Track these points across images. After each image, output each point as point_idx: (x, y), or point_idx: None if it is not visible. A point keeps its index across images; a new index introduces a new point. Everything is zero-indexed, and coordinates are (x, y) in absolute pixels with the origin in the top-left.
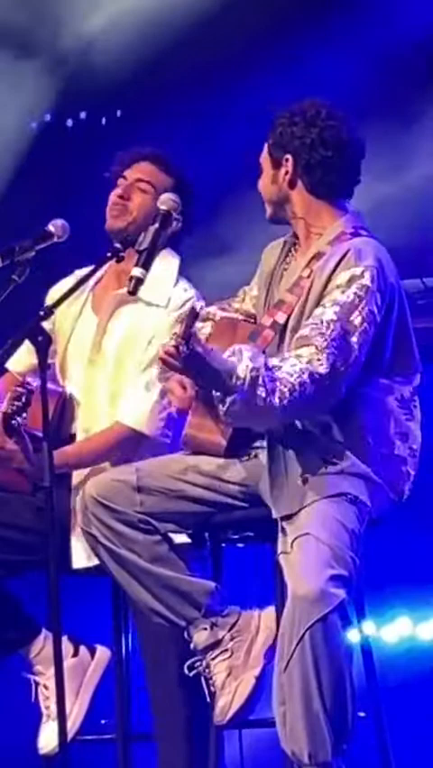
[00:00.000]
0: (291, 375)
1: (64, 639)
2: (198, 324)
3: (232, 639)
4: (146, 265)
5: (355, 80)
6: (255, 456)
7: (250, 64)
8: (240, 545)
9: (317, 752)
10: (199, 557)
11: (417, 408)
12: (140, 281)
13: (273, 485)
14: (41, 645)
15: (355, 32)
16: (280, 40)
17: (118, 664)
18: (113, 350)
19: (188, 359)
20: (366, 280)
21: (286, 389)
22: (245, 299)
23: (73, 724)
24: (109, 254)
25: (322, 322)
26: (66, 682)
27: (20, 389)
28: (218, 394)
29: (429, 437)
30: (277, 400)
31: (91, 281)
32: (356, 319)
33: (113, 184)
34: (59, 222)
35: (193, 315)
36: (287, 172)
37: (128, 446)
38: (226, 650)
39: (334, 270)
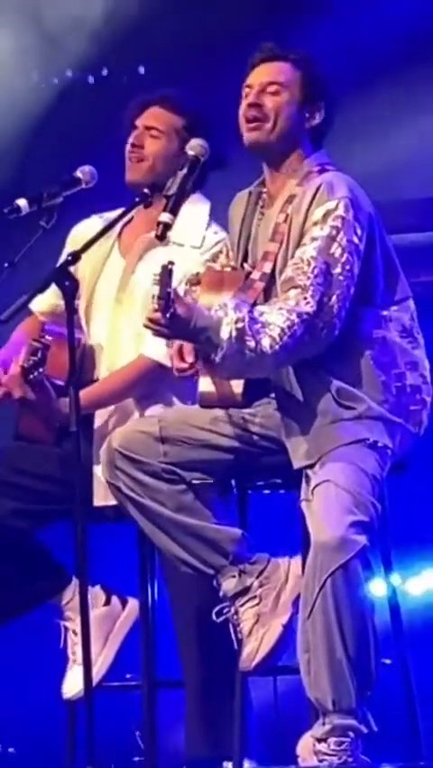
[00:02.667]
0: (279, 319)
1: (96, 588)
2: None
3: (261, 586)
4: (174, 210)
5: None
6: (271, 402)
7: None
8: (266, 492)
9: (340, 698)
10: (226, 505)
11: (420, 334)
12: (168, 226)
13: (290, 435)
14: (72, 594)
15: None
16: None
17: (144, 611)
18: (142, 290)
19: (172, 320)
20: (341, 211)
21: (275, 334)
22: (229, 254)
23: (99, 671)
24: (138, 199)
25: (303, 260)
26: (95, 630)
27: (36, 344)
28: (209, 350)
29: None
30: (268, 347)
31: (118, 226)
32: (337, 251)
33: (127, 136)
34: (87, 168)
35: (168, 273)
36: (313, 116)
37: (152, 380)
38: (255, 596)
39: (308, 209)
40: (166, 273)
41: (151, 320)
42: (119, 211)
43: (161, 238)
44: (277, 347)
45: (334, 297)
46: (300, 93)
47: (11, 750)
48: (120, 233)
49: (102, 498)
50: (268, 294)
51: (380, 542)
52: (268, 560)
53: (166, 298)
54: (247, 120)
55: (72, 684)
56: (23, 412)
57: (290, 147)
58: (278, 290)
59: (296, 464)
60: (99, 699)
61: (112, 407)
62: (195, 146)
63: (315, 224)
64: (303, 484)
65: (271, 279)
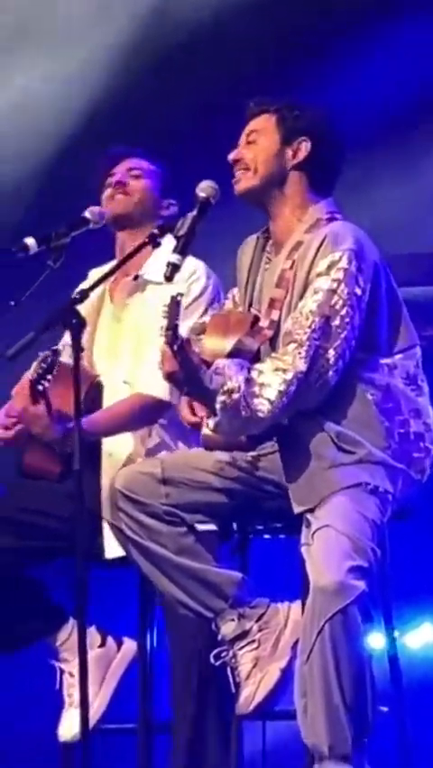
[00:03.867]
0: (275, 380)
1: (92, 629)
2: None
3: (260, 630)
4: (183, 252)
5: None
6: (273, 447)
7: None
8: (267, 537)
9: (336, 744)
10: (227, 549)
11: (424, 382)
12: (176, 267)
13: (290, 480)
14: (68, 634)
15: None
16: (288, 65)
17: (142, 655)
18: (128, 342)
19: (180, 355)
20: (344, 263)
21: (272, 397)
22: (236, 300)
23: (95, 713)
24: (146, 240)
25: (302, 314)
26: (91, 672)
27: (46, 352)
28: (210, 410)
29: None
30: (264, 411)
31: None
32: (337, 303)
33: (101, 187)
34: (96, 208)
35: (175, 305)
36: (296, 153)
37: (148, 414)
38: (254, 641)
39: (313, 258)
40: (174, 305)
41: (163, 359)
42: (126, 254)
43: (170, 279)
44: (273, 409)
45: (331, 351)
46: (278, 134)
47: None
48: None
49: (117, 549)
50: (274, 342)
51: (380, 592)
52: (268, 604)
53: (174, 330)
54: (235, 174)
55: (68, 727)
56: (27, 447)
57: (279, 187)
58: (280, 342)
59: (296, 509)
60: (95, 741)
61: (119, 459)
62: (205, 188)
63: (318, 275)
64: (303, 528)
65: (278, 327)
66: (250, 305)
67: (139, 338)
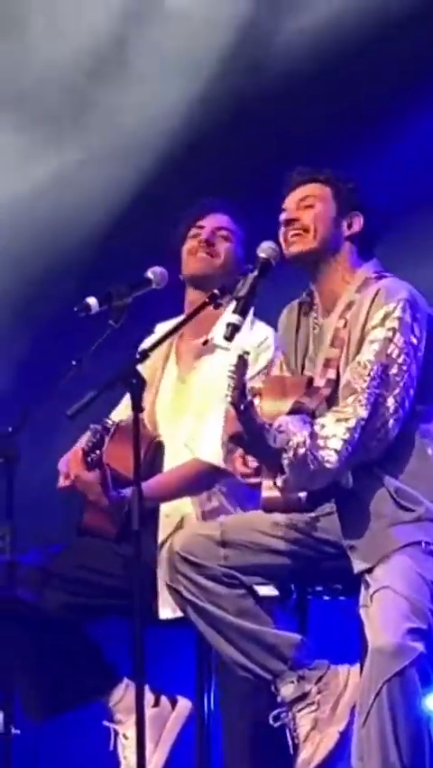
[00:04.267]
0: (339, 431)
1: (145, 689)
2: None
3: (319, 692)
4: (244, 312)
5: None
6: (332, 508)
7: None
8: (326, 598)
9: None
10: (286, 611)
11: None
12: (237, 328)
13: (349, 538)
14: (122, 694)
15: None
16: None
17: (200, 717)
18: (194, 403)
19: (245, 416)
20: (399, 313)
21: (338, 447)
22: (282, 367)
23: None
24: (207, 300)
25: (360, 363)
26: (146, 732)
27: (96, 426)
28: (273, 470)
29: None
30: (331, 462)
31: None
32: (394, 352)
33: (183, 236)
34: (158, 269)
35: (243, 363)
36: (351, 226)
37: (205, 481)
38: (313, 702)
39: (368, 313)
40: (241, 363)
41: (227, 420)
42: (187, 313)
43: (230, 339)
44: (339, 458)
45: (390, 399)
46: (335, 205)
47: None
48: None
49: (169, 610)
50: (331, 400)
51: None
52: (328, 666)
53: (241, 389)
54: (288, 235)
55: None
56: (87, 505)
57: (333, 254)
58: (339, 396)
59: (356, 567)
60: None
61: (176, 521)
62: (266, 249)
63: (374, 327)
64: (362, 590)
65: (335, 385)
66: (303, 367)
67: (203, 401)
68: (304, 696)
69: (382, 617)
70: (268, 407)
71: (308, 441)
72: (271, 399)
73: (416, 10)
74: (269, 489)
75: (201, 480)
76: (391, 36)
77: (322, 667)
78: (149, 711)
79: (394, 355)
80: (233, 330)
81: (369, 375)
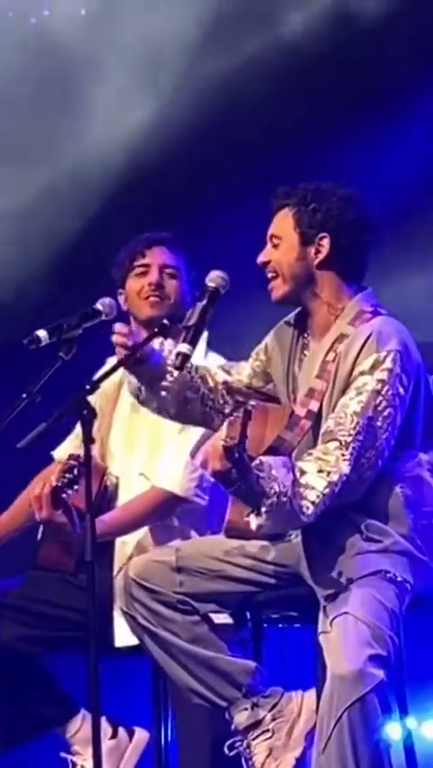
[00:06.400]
0: (319, 483)
1: (102, 720)
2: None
3: (273, 719)
4: (193, 342)
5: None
6: (296, 537)
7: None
8: (281, 626)
9: None
10: (240, 639)
11: None
12: (187, 357)
13: (312, 566)
14: (79, 725)
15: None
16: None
17: (157, 746)
18: (148, 430)
19: (237, 465)
20: (388, 364)
21: (316, 499)
22: (243, 374)
23: None
24: (157, 330)
25: (346, 414)
26: (104, 764)
27: (72, 462)
28: (249, 509)
29: None
30: (307, 511)
31: None
32: (381, 404)
33: (127, 270)
34: (107, 300)
35: (248, 417)
36: (319, 252)
37: (165, 510)
38: (267, 730)
39: (357, 355)
40: (246, 417)
41: (224, 447)
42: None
43: (180, 368)
44: (316, 511)
45: (372, 451)
46: (297, 236)
47: None
48: None
49: (123, 638)
50: (314, 431)
51: (395, 681)
52: (281, 693)
53: (242, 441)
54: (268, 277)
55: None
56: (44, 538)
57: (311, 287)
58: (319, 436)
59: (319, 593)
60: None
61: (130, 545)
62: (215, 278)
63: (362, 373)
64: (321, 616)
65: (316, 418)
66: (293, 393)
67: (157, 429)
68: (258, 723)
69: (342, 643)
70: (249, 437)
71: (289, 491)
72: (252, 428)
73: None
74: (235, 514)
75: (160, 508)
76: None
77: (276, 694)
78: (107, 743)
79: (381, 408)
80: (183, 359)
81: (354, 429)
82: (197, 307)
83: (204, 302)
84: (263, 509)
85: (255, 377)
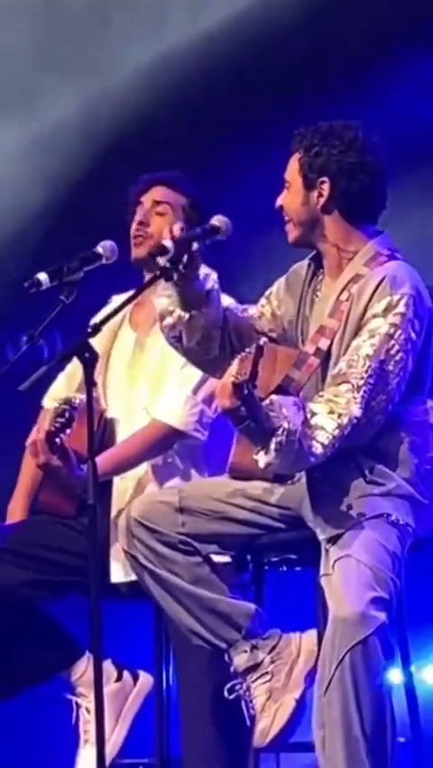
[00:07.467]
0: (329, 424)
1: (107, 663)
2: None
3: (272, 662)
4: (179, 245)
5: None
6: (299, 480)
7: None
8: (282, 569)
9: None
10: (241, 583)
11: None
12: (165, 250)
13: (315, 508)
14: (84, 668)
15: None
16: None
17: (158, 688)
18: (152, 366)
19: (247, 402)
20: (401, 308)
21: (325, 440)
22: (253, 317)
23: (112, 750)
24: (158, 273)
25: (358, 357)
26: (107, 707)
27: (64, 406)
28: (257, 444)
29: None
30: (317, 452)
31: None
32: (393, 349)
33: (131, 214)
34: (108, 243)
35: (259, 354)
36: (321, 196)
37: (164, 444)
38: (267, 672)
39: (371, 298)
40: (258, 352)
41: (233, 384)
42: (138, 287)
43: (153, 256)
44: (325, 452)
45: (383, 396)
46: (300, 180)
47: None
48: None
49: (119, 574)
50: (323, 370)
51: (396, 625)
52: (280, 636)
53: (253, 378)
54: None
55: (86, 764)
56: (43, 484)
57: (319, 231)
58: (327, 375)
59: (320, 535)
60: None
61: (130, 483)
62: (220, 219)
63: (375, 315)
64: (323, 558)
65: (325, 356)
66: (302, 335)
67: (161, 365)
68: (257, 666)
69: (344, 585)
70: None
71: (299, 430)
72: (262, 369)
73: None
74: (239, 455)
75: (160, 442)
76: None
77: (275, 636)
78: (111, 686)
79: (393, 352)
80: (162, 249)
81: (366, 372)
82: (193, 228)
83: (202, 227)
84: (272, 447)
85: (265, 320)
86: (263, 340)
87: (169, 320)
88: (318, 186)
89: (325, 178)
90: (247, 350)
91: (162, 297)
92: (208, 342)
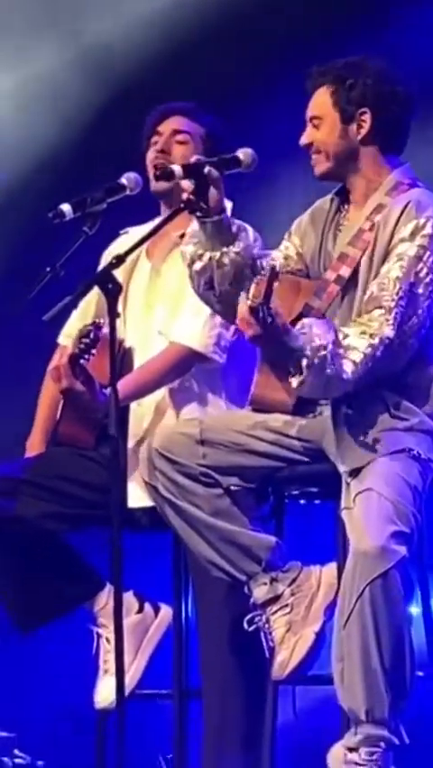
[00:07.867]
0: (361, 344)
1: (129, 595)
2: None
3: (292, 594)
4: (193, 169)
5: None
6: (321, 413)
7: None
8: (302, 502)
9: (374, 708)
10: (261, 515)
11: None
12: (172, 174)
13: (339, 440)
14: (106, 599)
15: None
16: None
17: (177, 619)
18: (169, 291)
19: (267, 326)
20: (429, 230)
21: (358, 359)
22: (289, 255)
23: (131, 681)
24: (182, 205)
25: (388, 280)
26: (127, 638)
27: (89, 326)
28: (290, 370)
29: None
30: (349, 373)
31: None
32: (422, 271)
33: (147, 146)
34: (132, 174)
35: (273, 275)
36: (361, 127)
37: (183, 366)
38: (286, 605)
39: (396, 224)
40: (272, 275)
41: (249, 311)
42: (161, 218)
43: (158, 178)
44: (357, 371)
45: (414, 319)
46: (337, 114)
47: (40, 763)
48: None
49: (136, 499)
50: (343, 298)
51: (416, 559)
52: (300, 568)
53: (268, 301)
54: (312, 157)
55: (105, 694)
56: (63, 414)
57: (353, 163)
58: (361, 305)
59: (341, 468)
60: (131, 707)
61: (147, 410)
62: (246, 151)
63: (402, 240)
64: (344, 492)
65: (348, 284)
66: (324, 269)
67: (178, 289)
68: (277, 598)
69: (365, 519)
70: (281, 308)
71: (330, 345)
72: (284, 300)
73: None
74: (261, 386)
75: (179, 364)
76: None
77: (295, 569)
78: (132, 618)
79: (422, 274)
80: (169, 174)
81: (397, 294)
82: (211, 159)
83: (222, 156)
84: (304, 364)
85: (292, 261)
86: (279, 263)
87: (198, 264)
88: (358, 117)
89: (365, 109)
90: (262, 272)
91: (189, 245)
92: (241, 283)
